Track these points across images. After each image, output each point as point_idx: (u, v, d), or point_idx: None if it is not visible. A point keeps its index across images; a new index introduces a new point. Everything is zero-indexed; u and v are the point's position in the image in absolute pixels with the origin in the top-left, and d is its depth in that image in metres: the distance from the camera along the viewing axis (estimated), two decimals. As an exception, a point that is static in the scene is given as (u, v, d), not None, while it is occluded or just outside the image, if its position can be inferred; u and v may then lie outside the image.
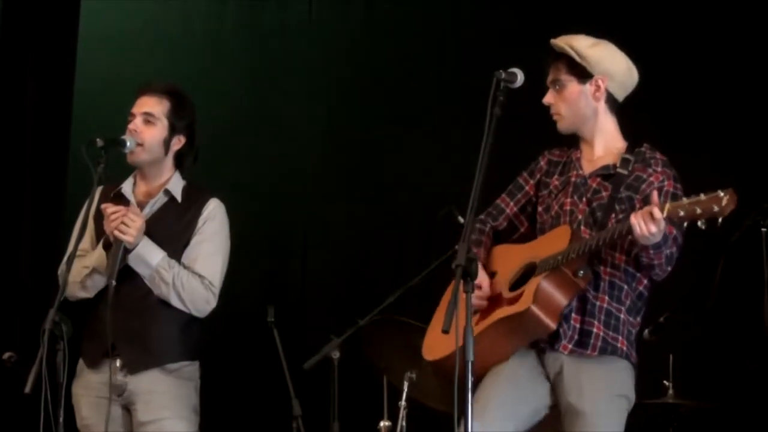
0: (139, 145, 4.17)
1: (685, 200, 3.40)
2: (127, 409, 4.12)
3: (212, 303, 4.17)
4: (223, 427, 4.40)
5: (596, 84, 3.76)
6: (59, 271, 4.23)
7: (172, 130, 4.23)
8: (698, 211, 3.35)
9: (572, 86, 3.76)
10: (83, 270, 4.13)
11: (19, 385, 3.80)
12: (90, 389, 4.10)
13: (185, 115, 4.25)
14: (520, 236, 3.90)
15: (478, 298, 3.66)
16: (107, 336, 4.01)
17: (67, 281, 4.08)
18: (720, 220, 3.32)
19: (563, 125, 3.80)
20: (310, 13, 6.44)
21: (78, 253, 4.14)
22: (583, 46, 3.74)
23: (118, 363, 4.09)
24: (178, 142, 4.25)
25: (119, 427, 4.12)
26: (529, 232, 3.88)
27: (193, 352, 4.21)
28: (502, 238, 3.93)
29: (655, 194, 3.46)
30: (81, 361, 4.17)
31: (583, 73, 3.74)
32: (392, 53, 6.21)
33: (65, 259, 4.16)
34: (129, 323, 4.07)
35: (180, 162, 4.28)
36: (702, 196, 3.36)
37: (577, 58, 3.73)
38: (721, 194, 3.32)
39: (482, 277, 3.70)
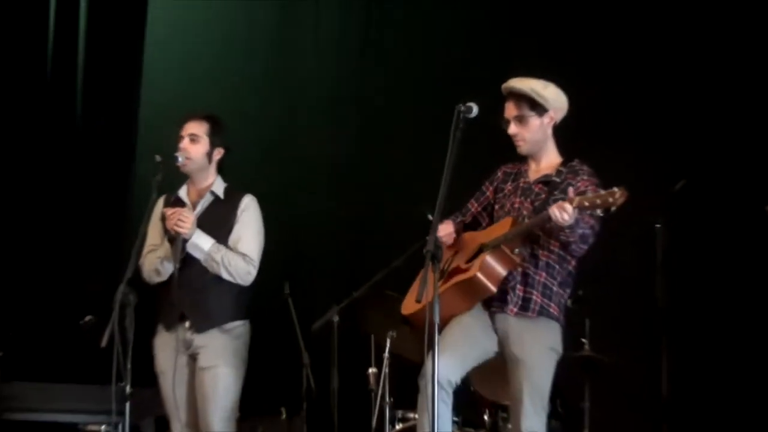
0: (188, 158, 4.16)
1: (589, 195, 3.46)
2: (193, 357, 4.12)
3: (253, 273, 4.14)
4: (251, 374, 4.32)
5: (550, 116, 3.74)
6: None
7: (212, 145, 4.19)
8: (598, 202, 3.39)
9: (533, 120, 3.72)
10: (156, 260, 4.16)
11: (97, 342, 3.78)
12: (165, 344, 4.14)
13: (221, 133, 4.22)
14: (482, 228, 3.91)
15: (446, 235, 3.75)
16: (176, 307, 4.07)
17: (143, 269, 4.16)
18: (613, 209, 3.36)
19: (524, 149, 3.77)
20: (317, 37, 6.31)
21: (150, 248, 4.21)
22: (540, 88, 3.71)
23: (187, 324, 4.11)
24: (218, 153, 4.23)
25: (185, 371, 4.11)
26: (489, 225, 3.89)
27: (243, 314, 4.19)
28: (470, 228, 3.96)
29: (571, 190, 3.49)
30: (160, 324, 4.18)
31: (541, 110, 3.71)
32: (389, 75, 6.04)
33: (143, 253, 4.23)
34: (194, 296, 4.09)
35: (221, 168, 4.27)
36: (601, 192, 3.43)
37: (539, 99, 3.70)
38: (615, 190, 3.37)
39: (448, 228, 3.78)
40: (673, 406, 4.35)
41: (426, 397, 3.36)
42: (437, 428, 3.25)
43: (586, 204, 3.42)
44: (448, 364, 3.53)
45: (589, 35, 5.37)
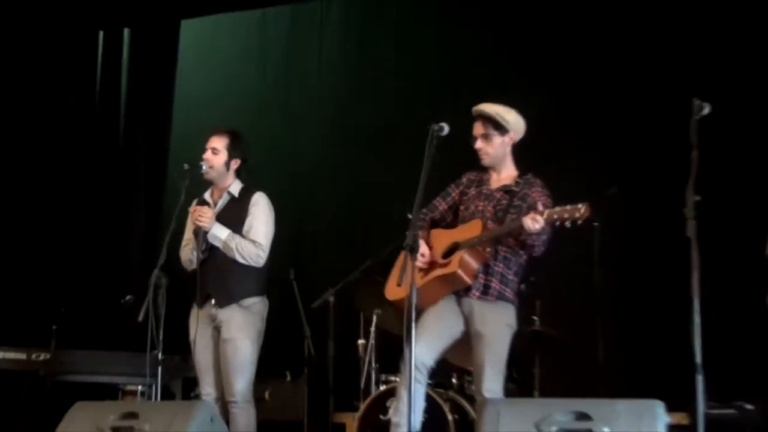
0: (210, 167, 4.33)
1: (557, 209, 3.59)
2: (217, 330, 4.26)
3: (263, 256, 4.25)
4: (261, 343, 4.49)
5: (510, 136, 3.93)
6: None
7: (231, 156, 4.34)
8: (566, 216, 3.55)
9: (496, 138, 3.90)
10: (188, 252, 4.37)
11: (134, 317, 3.98)
12: (196, 319, 4.26)
13: (239, 146, 4.37)
14: (447, 224, 4.04)
15: (422, 262, 3.82)
16: (203, 288, 4.21)
17: (181, 259, 4.35)
18: (580, 222, 3.53)
19: (487, 162, 3.95)
20: (320, 70, 6.50)
21: (186, 242, 4.41)
22: (504, 112, 3.91)
23: (213, 302, 4.25)
24: (235, 163, 4.37)
25: (211, 342, 4.24)
26: (452, 222, 4.04)
27: (260, 291, 4.30)
28: (435, 224, 4.05)
29: (540, 204, 3.68)
30: (194, 303, 4.29)
31: (503, 130, 3.91)
32: (382, 89, 6.19)
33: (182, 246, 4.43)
34: (217, 277, 4.26)
35: (239, 174, 4.42)
36: (568, 207, 3.56)
37: (502, 121, 3.90)
38: (580, 206, 3.53)
39: (425, 249, 3.85)
40: (606, 370, 4.48)
41: (405, 376, 3.50)
42: (413, 401, 3.42)
43: (555, 217, 3.56)
44: (424, 351, 3.68)
45: (544, 64, 5.68)
